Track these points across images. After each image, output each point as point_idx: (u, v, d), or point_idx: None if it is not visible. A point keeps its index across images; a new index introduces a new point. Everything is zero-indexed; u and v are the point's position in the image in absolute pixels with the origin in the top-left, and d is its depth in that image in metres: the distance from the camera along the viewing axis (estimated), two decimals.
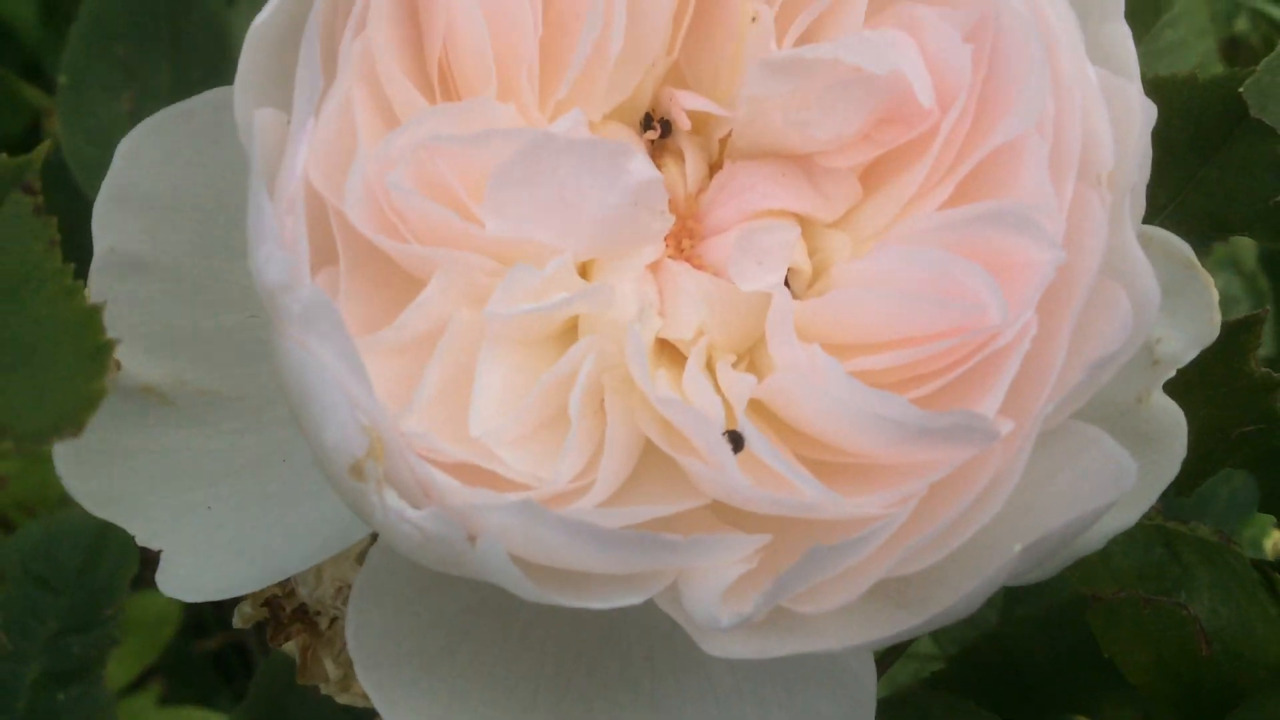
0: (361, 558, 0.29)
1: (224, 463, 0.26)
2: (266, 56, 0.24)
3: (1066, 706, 0.35)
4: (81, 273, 0.25)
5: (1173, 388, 0.27)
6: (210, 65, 0.47)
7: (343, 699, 0.33)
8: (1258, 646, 0.27)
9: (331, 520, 0.26)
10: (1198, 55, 0.54)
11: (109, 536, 0.41)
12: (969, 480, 0.22)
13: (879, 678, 0.25)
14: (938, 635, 0.40)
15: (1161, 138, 0.27)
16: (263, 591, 0.31)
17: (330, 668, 0.31)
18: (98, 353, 0.20)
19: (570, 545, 0.20)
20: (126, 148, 0.26)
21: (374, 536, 0.28)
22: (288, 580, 0.31)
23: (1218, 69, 0.53)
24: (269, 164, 0.23)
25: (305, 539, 0.26)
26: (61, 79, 0.45)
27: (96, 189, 0.45)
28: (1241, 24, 0.65)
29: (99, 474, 0.25)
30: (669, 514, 0.22)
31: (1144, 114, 0.25)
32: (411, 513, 0.20)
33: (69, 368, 0.20)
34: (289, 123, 0.23)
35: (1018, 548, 0.21)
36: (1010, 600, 0.37)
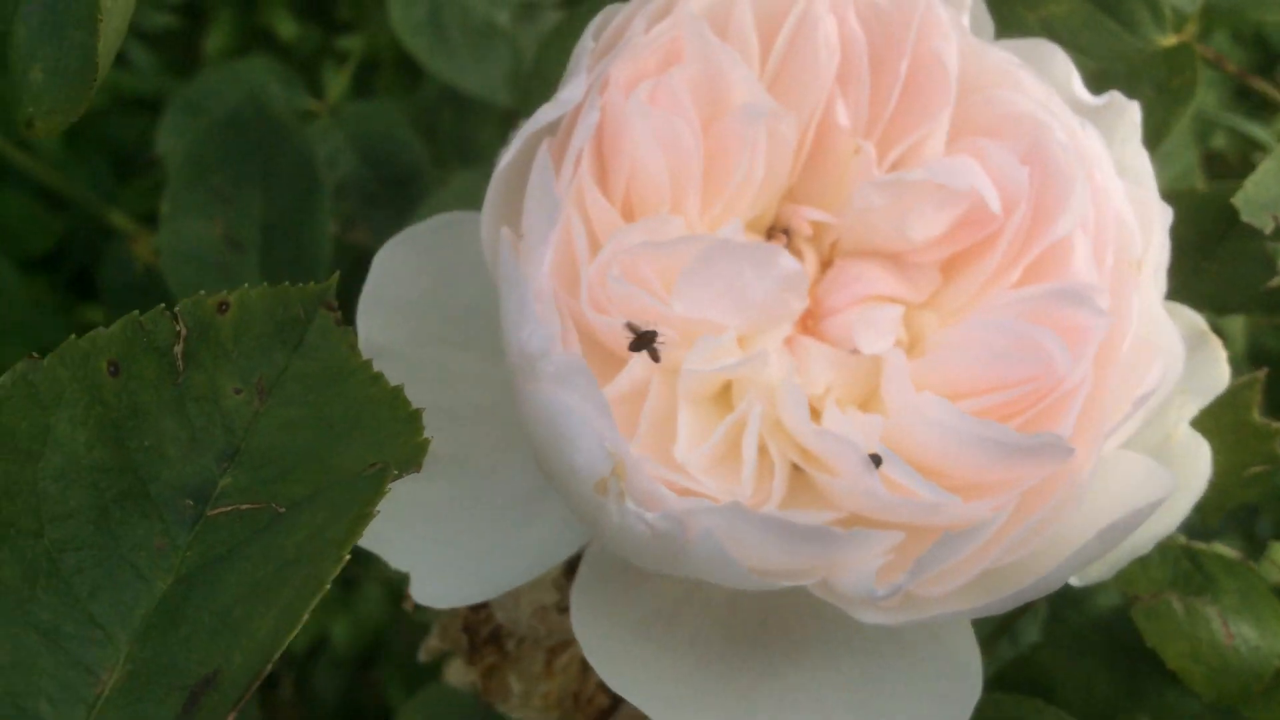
0: (555, 583, 0.36)
1: (451, 509, 0.33)
2: (501, 189, 0.31)
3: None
4: None
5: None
6: (297, 190, 0.53)
7: (517, 715, 0.39)
8: (1273, 637, 0.34)
9: (535, 548, 0.33)
10: (1183, 165, 0.64)
11: None
12: (1051, 490, 0.29)
13: None
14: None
15: (1172, 236, 0.35)
16: (457, 620, 0.38)
17: (513, 684, 0.38)
18: (412, 418, 0.27)
19: (764, 539, 0.27)
20: (380, 263, 0.34)
21: (566, 565, 0.35)
22: (482, 607, 0.38)
23: (1198, 178, 0.63)
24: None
25: (519, 560, 0.33)
26: (163, 208, 0.52)
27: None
28: (1219, 140, 0.74)
29: None
30: (830, 520, 0.30)
31: (1162, 215, 0.33)
32: (648, 515, 0.27)
33: (394, 430, 0.27)
34: (520, 236, 0.31)
35: (1094, 532, 0.28)
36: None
